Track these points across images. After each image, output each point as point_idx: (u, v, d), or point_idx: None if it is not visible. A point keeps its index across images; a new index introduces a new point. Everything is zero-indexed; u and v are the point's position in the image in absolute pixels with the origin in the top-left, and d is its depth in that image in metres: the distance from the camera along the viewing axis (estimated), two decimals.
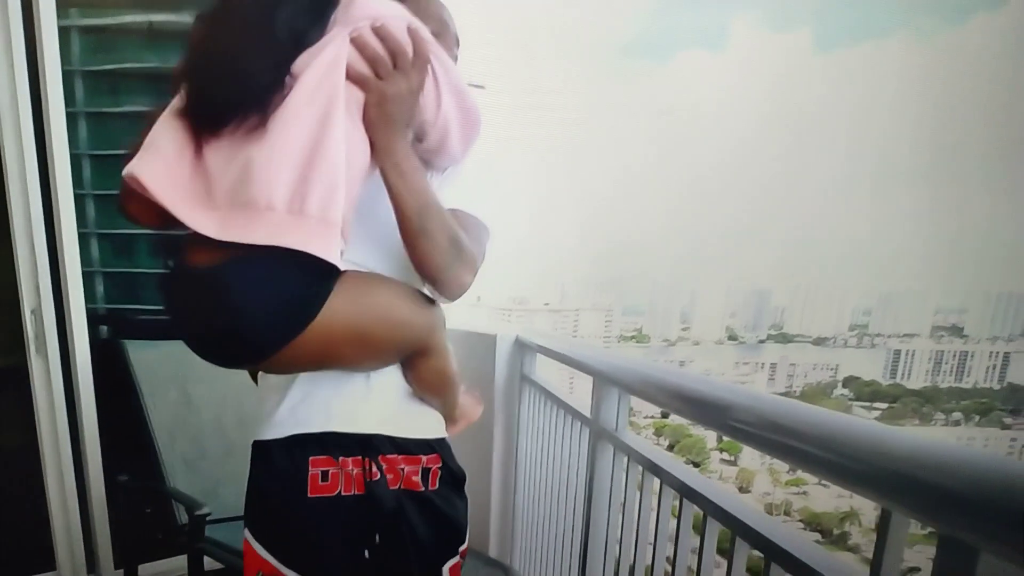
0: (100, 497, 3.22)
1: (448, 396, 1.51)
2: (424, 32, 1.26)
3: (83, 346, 3.09)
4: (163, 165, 1.15)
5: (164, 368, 3.14)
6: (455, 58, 1.52)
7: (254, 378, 1.58)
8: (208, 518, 2.62)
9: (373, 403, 1.41)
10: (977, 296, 48.71)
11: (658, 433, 27.84)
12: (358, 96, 1.21)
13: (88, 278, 3.15)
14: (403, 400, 1.45)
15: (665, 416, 29.78)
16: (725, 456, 31.53)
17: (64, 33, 2.96)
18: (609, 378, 2.18)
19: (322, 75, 1.14)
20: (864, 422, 1.16)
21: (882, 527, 1.07)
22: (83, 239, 3.10)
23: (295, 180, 1.11)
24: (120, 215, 1.26)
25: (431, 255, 1.26)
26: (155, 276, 2.79)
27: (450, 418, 1.56)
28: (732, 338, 47.93)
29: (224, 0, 1.18)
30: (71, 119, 3.01)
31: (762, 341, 47.66)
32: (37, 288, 2.95)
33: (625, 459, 2.09)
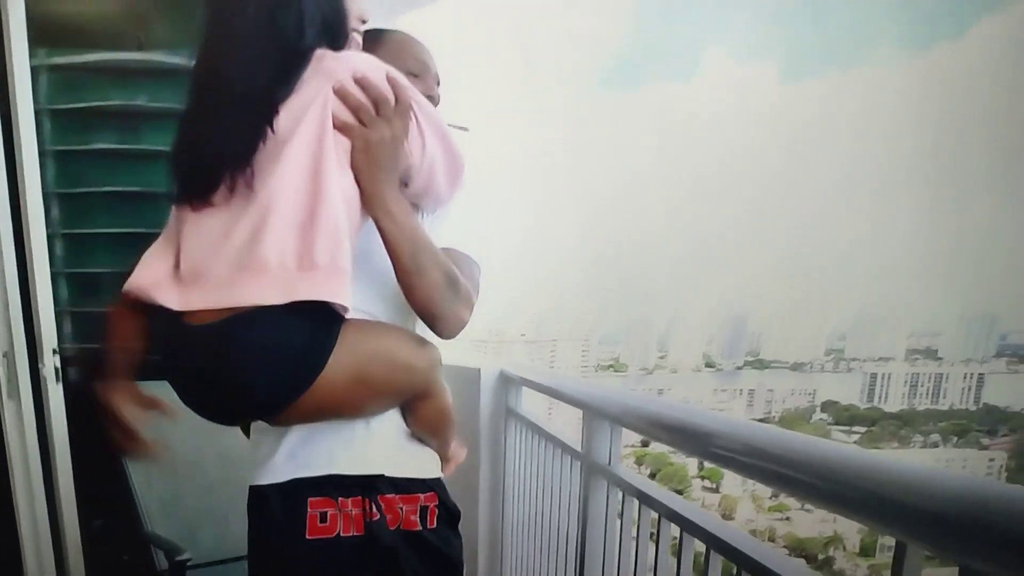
0: (75, 544, 3.13)
1: (447, 434, 1.53)
2: (403, 79, 1.29)
3: (56, 389, 3.03)
4: (153, 269, 1.23)
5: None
6: (437, 97, 1.55)
7: (247, 431, 1.58)
8: (189, 563, 2.55)
9: (374, 444, 1.42)
10: (950, 319, 49.07)
11: (639, 462, 27.80)
12: (345, 145, 1.22)
13: (57, 318, 3.09)
14: (402, 440, 1.47)
15: (646, 444, 29.67)
16: (707, 484, 31.45)
17: (32, 72, 2.93)
18: (600, 411, 2.15)
19: (311, 130, 1.17)
20: (842, 446, 1.20)
21: (896, 559, 1.06)
22: (52, 279, 3.05)
23: (301, 235, 1.14)
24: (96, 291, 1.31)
25: (429, 295, 1.31)
26: None
27: (445, 457, 1.57)
28: (709, 365, 47.99)
29: (199, 73, 1.22)
30: (39, 158, 2.98)
31: (739, 367, 47.77)
32: (9, 329, 2.90)
33: (620, 494, 2.06)
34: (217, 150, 1.16)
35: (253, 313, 1.14)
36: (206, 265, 1.19)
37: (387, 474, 1.42)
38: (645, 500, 1.88)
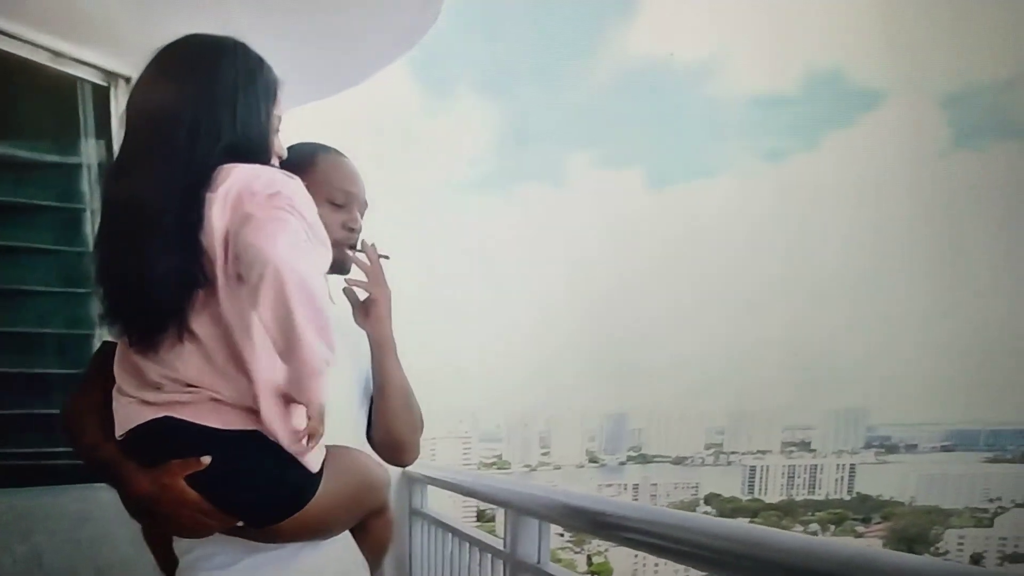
0: None
1: (387, 549, 1.59)
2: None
3: None
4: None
5: (10, 520, 2.66)
6: (359, 228, 1.54)
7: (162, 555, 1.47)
8: None
9: (319, 554, 1.39)
10: (820, 413, 50.92)
11: None
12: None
13: None
14: (345, 554, 1.47)
15: None
16: None
17: None
18: (526, 508, 2.03)
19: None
20: (765, 528, 1.34)
21: None
22: None
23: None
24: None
25: (409, 426, 1.56)
26: None
27: (377, 569, 1.58)
28: (593, 461, 48.48)
29: (111, 203, 1.20)
30: None
31: (623, 463, 48.45)
32: None
33: None
34: (155, 299, 1.12)
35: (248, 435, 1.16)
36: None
37: None
38: None
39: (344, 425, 1.43)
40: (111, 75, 2.71)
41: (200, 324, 1.13)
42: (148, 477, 1.16)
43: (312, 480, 1.22)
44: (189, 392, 1.15)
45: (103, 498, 2.71)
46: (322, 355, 1.09)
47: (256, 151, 1.20)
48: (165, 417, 1.15)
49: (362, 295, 1.50)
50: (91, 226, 2.76)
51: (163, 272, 1.10)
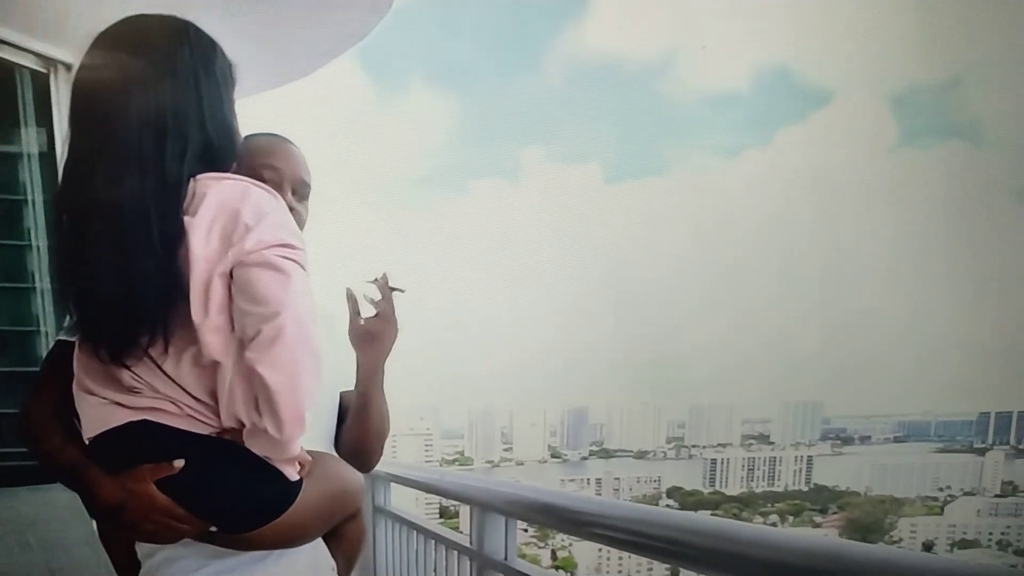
0: None
1: (359, 553, 1.59)
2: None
3: None
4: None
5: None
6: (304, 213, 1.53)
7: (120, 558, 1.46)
8: None
9: (287, 560, 1.37)
10: (777, 405, 51.50)
11: None
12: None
13: None
14: (313, 557, 1.45)
15: None
16: (561, 573, 31.54)
17: None
18: (492, 505, 2.04)
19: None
20: (724, 520, 1.45)
21: None
22: None
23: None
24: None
25: (380, 441, 1.59)
26: None
27: (350, 572, 1.57)
28: (555, 456, 48.69)
29: (72, 211, 1.12)
30: None
31: (585, 458, 48.73)
32: None
33: None
34: (132, 311, 1.08)
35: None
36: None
37: None
38: None
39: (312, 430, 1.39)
40: (50, 61, 2.65)
41: (176, 343, 1.10)
42: (116, 482, 1.14)
43: (291, 488, 1.21)
44: (169, 400, 1.12)
45: (54, 500, 2.66)
46: (311, 401, 1.10)
47: (227, 148, 1.18)
48: (142, 421, 1.12)
49: (368, 310, 1.52)
50: (32, 218, 2.70)
51: (141, 284, 1.07)
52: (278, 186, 1.39)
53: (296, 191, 1.48)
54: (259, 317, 1.05)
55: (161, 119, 1.08)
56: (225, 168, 1.18)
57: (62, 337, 1.24)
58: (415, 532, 2.54)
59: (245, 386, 1.07)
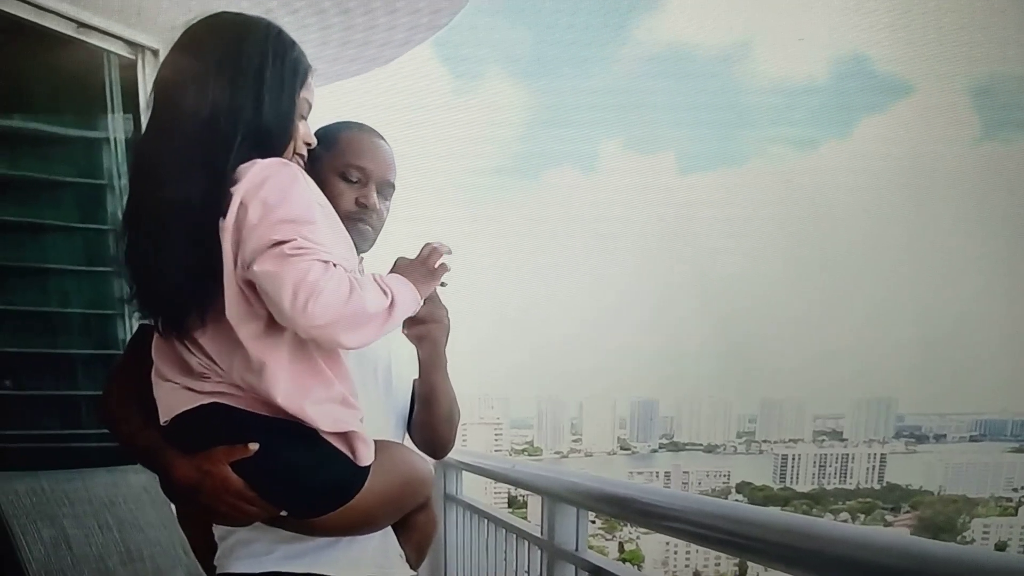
0: None
1: (430, 544, 1.58)
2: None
3: None
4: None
5: (36, 503, 2.67)
6: (372, 205, 1.49)
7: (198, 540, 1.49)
8: None
9: (357, 545, 1.40)
10: (851, 403, 50.70)
11: None
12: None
13: None
14: (381, 541, 1.46)
15: None
16: (628, 566, 30.96)
17: None
18: (564, 496, 2.01)
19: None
20: (799, 516, 1.41)
21: None
22: None
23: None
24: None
25: (451, 429, 1.60)
26: (15, 397, 2.69)
27: (420, 563, 1.57)
28: (624, 448, 48.46)
29: (135, 188, 1.18)
30: None
31: (654, 451, 48.41)
32: None
33: None
34: (174, 289, 1.12)
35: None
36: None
37: (368, 574, 1.43)
38: None
39: (378, 419, 1.41)
40: (138, 47, 2.67)
41: (216, 318, 1.11)
42: (191, 463, 1.16)
43: (360, 474, 1.21)
44: (234, 385, 1.14)
45: (130, 481, 2.70)
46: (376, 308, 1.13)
47: (276, 137, 1.18)
48: (213, 404, 1.14)
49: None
50: (116, 203, 2.74)
51: (181, 260, 1.10)
52: (363, 187, 1.43)
53: (381, 192, 1.47)
54: (284, 317, 1.06)
55: (216, 105, 1.10)
56: (277, 156, 1.18)
57: (144, 322, 1.25)
58: (485, 520, 2.53)
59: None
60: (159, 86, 1.16)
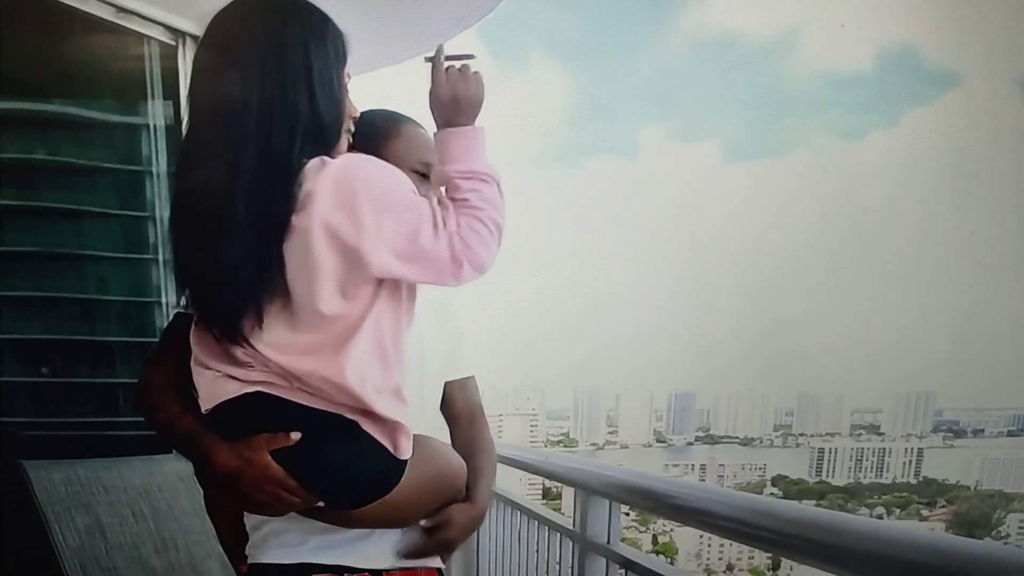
0: None
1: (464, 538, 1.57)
2: None
3: None
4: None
5: (72, 491, 2.67)
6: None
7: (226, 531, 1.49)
8: None
9: (389, 537, 1.41)
10: (890, 396, 50.30)
11: None
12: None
13: None
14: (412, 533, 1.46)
15: None
16: (661, 559, 31.00)
17: None
18: (597, 489, 2.02)
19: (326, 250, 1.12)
20: (832, 512, 1.42)
21: None
22: None
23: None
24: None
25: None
26: (52, 385, 2.72)
27: (450, 555, 1.58)
28: (661, 441, 48.37)
29: (182, 189, 1.18)
30: None
31: (690, 443, 48.33)
32: None
33: (621, 572, 1.95)
34: (230, 293, 1.12)
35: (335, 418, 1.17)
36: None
37: (399, 566, 1.42)
38: None
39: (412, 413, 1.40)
40: (178, 33, 2.68)
41: (275, 314, 1.13)
42: (232, 451, 1.17)
43: (399, 467, 1.22)
44: (279, 375, 1.15)
45: (165, 469, 2.72)
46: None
47: (331, 125, 1.18)
48: (257, 392, 1.16)
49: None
50: (154, 190, 2.76)
51: (238, 265, 1.10)
52: (427, 181, 1.44)
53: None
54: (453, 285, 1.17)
55: (268, 102, 1.10)
56: (333, 144, 1.20)
57: (180, 310, 1.26)
58: (518, 512, 2.53)
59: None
60: (194, 73, 1.17)
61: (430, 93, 1.28)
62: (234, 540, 1.41)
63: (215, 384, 1.17)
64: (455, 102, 1.25)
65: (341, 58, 1.19)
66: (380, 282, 1.15)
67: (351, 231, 1.08)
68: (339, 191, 1.09)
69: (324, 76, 1.15)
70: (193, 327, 1.21)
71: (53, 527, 2.52)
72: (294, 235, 1.09)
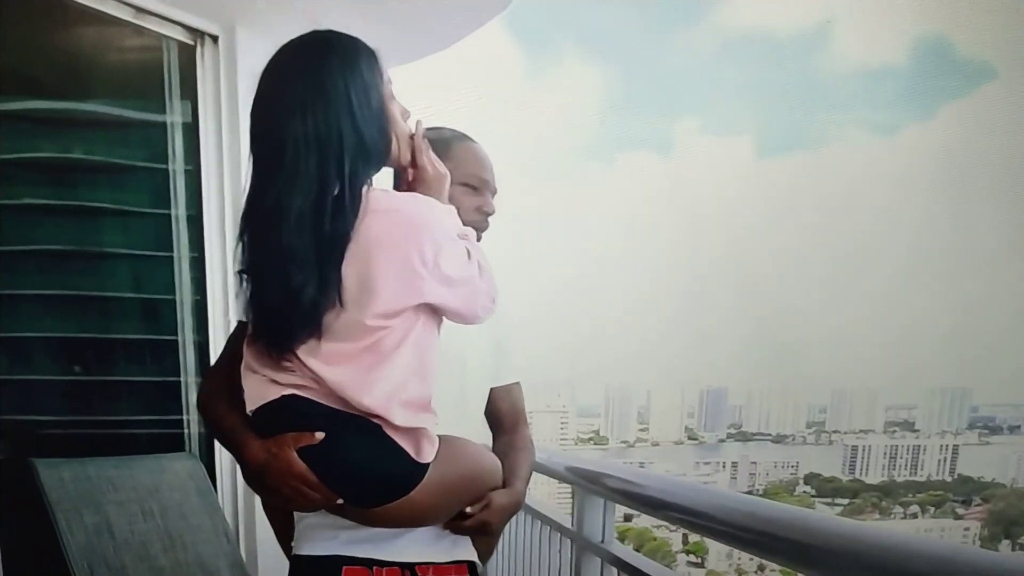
0: None
1: (498, 540, 1.61)
2: None
3: None
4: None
5: (81, 490, 2.66)
6: (492, 210, 1.59)
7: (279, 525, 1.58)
8: None
9: (420, 533, 1.43)
10: (925, 393, 49.84)
11: (621, 537, 27.38)
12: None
13: None
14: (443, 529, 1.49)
15: (628, 519, 29.44)
16: (692, 559, 31.17)
17: None
18: (593, 488, 2.01)
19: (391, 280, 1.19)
20: (839, 519, 1.27)
21: None
22: None
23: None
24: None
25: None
26: (60, 383, 2.73)
27: (488, 559, 1.59)
28: (692, 438, 48.14)
29: (255, 212, 1.22)
30: None
31: (722, 440, 48.03)
32: None
33: (615, 572, 1.94)
34: (287, 314, 1.18)
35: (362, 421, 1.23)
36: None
37: (431, 561, 1.45)
38: None
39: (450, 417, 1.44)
40: (197, 33, 2.71)
41: (331, 339, 1.20)
42: (262, 445, 1.24)
43: (418, 470, 1.26)
44: (312, 379, 1.21)
45: (175, 468, 2.74)
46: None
47: (380, 147, 1.25)
48: (292, 395, 1.22)
49: None
50: (178, 188, 2.78)
51: (297, 293, 1.16)
52: (481, 195, 1.55)
53: (494, 195, 1.58)
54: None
55: (316, 134, 1.16)
56: (383, 162, 1.29)
57: (241, 318, 1.33)
58: (519, 512, 2.52)
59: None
60: (252, 117, 1.24)
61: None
62: (285, 534, 1.50)
63: (259, 387, 1.24)
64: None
65: (377, 75, 1.25)
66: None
67: (416, 262, 1.17)
68: (404, 226, 1.18)
69: (363, 100, 1.21)
70: (247, 333, 1.28)
71: (61, 525, 2.56)
72: (355, 258, 1.16)
